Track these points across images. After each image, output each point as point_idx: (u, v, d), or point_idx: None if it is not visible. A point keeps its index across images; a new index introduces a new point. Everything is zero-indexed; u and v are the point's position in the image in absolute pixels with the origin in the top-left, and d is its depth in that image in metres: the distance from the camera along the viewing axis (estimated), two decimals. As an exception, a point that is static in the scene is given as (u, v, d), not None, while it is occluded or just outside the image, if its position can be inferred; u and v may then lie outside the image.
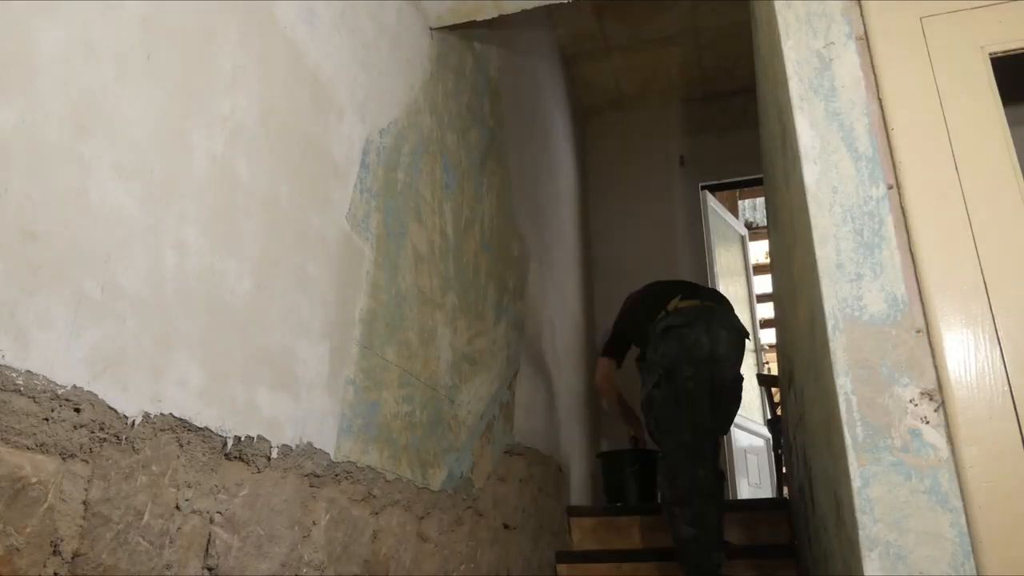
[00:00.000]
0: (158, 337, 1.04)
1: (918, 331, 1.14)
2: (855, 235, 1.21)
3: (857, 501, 1.07)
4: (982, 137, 1.21)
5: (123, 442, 0.96)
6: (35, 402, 0.84)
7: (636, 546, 3.04)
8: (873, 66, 1.31)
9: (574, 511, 3.29)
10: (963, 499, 1.04)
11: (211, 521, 1.12)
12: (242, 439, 1.19)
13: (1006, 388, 1.07)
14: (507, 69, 3.19)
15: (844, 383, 1.14)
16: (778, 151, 1.84)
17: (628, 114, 5.10)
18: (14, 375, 0.82)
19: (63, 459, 0.87)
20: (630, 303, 2.89)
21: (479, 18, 2.36)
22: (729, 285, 4.87)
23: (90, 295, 0.93)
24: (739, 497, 4.11)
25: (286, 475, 1.31)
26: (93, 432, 0.92)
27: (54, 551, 0.86)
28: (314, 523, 1.38)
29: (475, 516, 2.22)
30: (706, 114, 4.95)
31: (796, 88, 1.33)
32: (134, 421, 0.98)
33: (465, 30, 2.54)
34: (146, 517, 0.99)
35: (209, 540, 1.11)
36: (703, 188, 4.89)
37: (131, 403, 0.98)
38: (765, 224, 5.91)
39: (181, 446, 1.07)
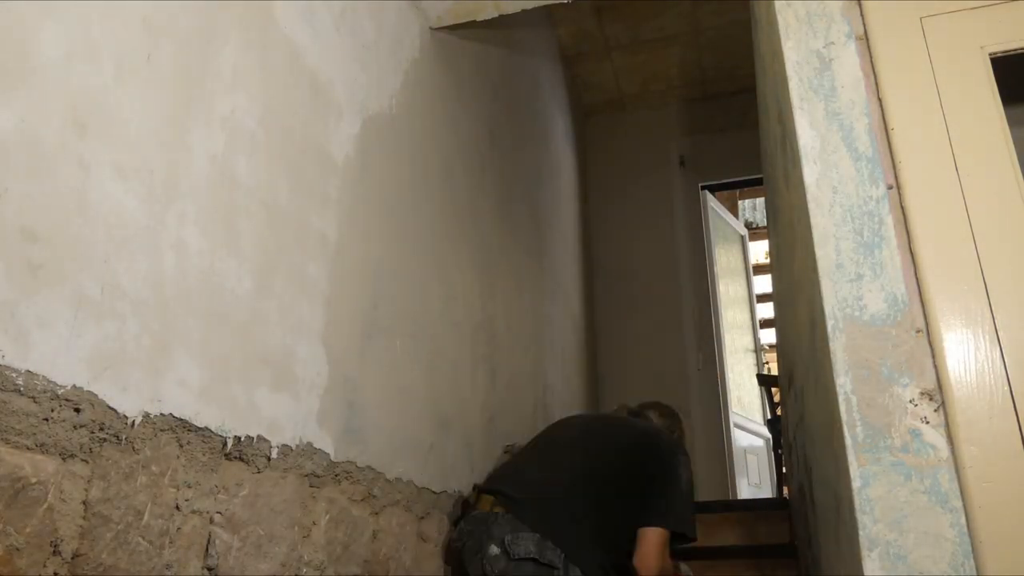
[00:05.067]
0: (158, 337, 1.04)
1: (918, 331, 1.14)
2: (855, 235, 1.21)
3: (857, 501, 1.07)
4: (982, 137, 1.21)
5: (123, 442, 0.96)
6: (35, 402, 0.84)
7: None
8: (873, 66, 1.31)
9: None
10: (963, 499, 1.04)
11: (211, 521, 1.12)
12: (242, 439, 1.19)
13: (1006, 388, 1.07)
14: (507, 69, 3.19)
15: (844, 383, 1.14)
16: (778, 151, 1.84)
17: (628, 114, 5.10)
18: (14, 375, 0.82)
19: (63, 459, 0.87)
20: None
21: (479, 18, 2.36)
22: (729, 285, 4.87)
23: (90, 295, 0.93)
24: (739, 497, 4.11)
25: (286, 475, 1.31)
26: (93, 432, 0.92)
27: (54, 551, 0.86)
28: (314, 523, 1.38)
29: (475, 516, 2.22)
30: (706, 114, 4.95)
31: (796, 88, 1.33)
32: (134, 421, 0.98)
33: (465, 30, 2.54)
34: (146, 517, 0.99)
35: (209, 540, 1.11)
36: (703, 188, 4.89)
37: (131, 403, 0.98)
38: (765, 224, 5.92)
39: (181, 446, 1.07)
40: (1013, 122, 1.23)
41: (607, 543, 1.82)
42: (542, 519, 1.74)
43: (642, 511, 1.86)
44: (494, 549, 1.72)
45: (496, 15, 2.35)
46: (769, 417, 4.14)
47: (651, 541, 1.83)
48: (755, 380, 4.70)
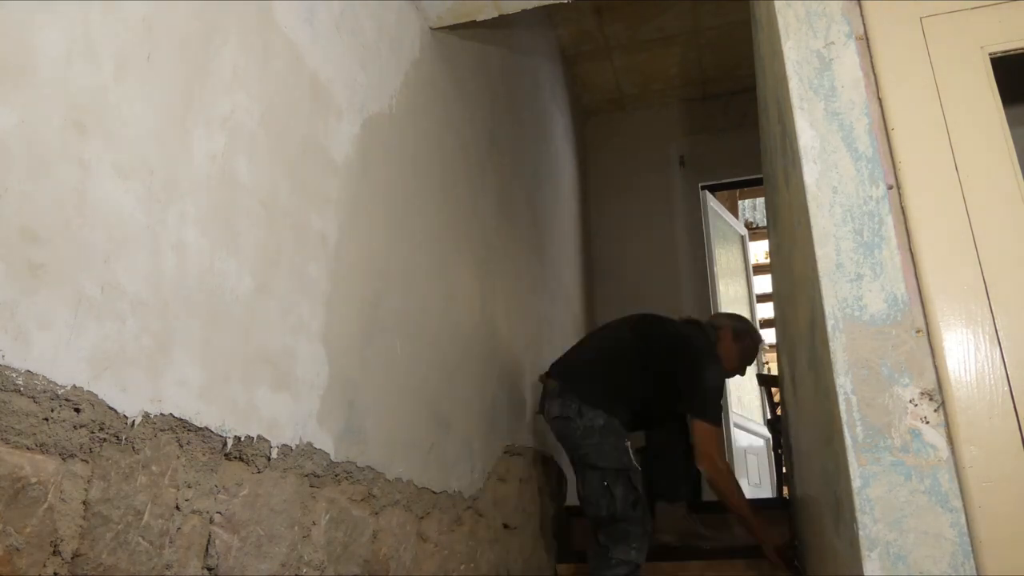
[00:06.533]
0: (158, 337, 1.04)
1: (918, 331, 1.14)
2: (855, 235, 1.21)
3: (857, 501, 1.07)
4: (982, 137, 1.21)
5: (123, 442, 0.96)
6: (35, 402, 0.84)
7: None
8: (873, 66, 1.31)
9: (574, 511, 3.29)
10: (963, 499, 1.03)
11: (211, 521, 1.12)
12: (242, 439, 1.19)
13: (1006, 388, 1.07)
14: (507, 69, 3.19)
15: (844, 383, 1.14)
16: (778, 151, 1.84)
17: (628, 114, 5.10)
18: (14, 375, 0.82)
19: (63, 459, 0.87)
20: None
21: (479, 18, 2.36)
22: (729, 285, 4.87)
23: (90, 295, 0.93)
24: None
25: (286, 475, 1.31)
26: (93, 432, 0.92)
27: (54, 551, 0.86)
28: (314, 523, 1.38)
29: (475, 516, 2.22)
30: (706, 114, 4.95)
31: (796, 88, 1.33)
32: (134, 421, 0.98)
33: (465, 30, 2.54)
34: (146, 517, 0.99)
35: (209, 540, 1.11)
36: (703, 188, 4.89)
37: (131, 403, 0.98)
38: (765, 224, 5.91)
39: (181, 446, 1.07)
40: (1013, 122, 1.23)
41: (625, 396, 2.47)
42: (566, 382, 2.50)
43: (677, 398, 2.53)
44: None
45: (496, 15, 2.35)
46: (769, 417, 4.14)
47: (701, 438, 2.45)
48: (755, 380, 4.70)
